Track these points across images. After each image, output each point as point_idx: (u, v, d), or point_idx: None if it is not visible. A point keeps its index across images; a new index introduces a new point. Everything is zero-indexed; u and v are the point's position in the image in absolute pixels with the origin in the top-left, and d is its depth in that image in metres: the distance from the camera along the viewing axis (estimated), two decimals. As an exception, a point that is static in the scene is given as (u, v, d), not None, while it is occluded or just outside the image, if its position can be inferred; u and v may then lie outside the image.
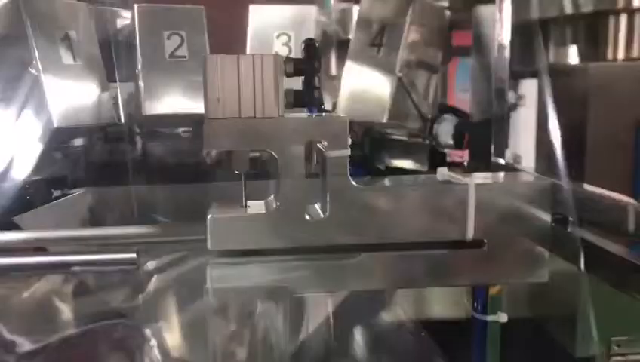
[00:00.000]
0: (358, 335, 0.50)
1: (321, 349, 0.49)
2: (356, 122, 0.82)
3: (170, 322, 0.55)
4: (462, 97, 1.02)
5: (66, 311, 0.56)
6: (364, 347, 0.49)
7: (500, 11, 0.71)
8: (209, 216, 0.54)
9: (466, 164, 0.82)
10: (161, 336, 0.51)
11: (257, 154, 0.69)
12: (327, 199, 0.56)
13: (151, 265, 0.56)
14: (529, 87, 0.75)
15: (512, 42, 0.71)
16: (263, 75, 0.53)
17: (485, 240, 0.58)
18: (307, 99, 0.57)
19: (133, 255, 0.52)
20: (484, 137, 0.76)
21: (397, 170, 0.89)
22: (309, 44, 0.57)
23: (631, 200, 0.56)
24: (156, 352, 0.47)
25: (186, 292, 0.57)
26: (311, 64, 0.56)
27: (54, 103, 0.72)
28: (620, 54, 0.70)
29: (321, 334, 0.51)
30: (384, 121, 0.80)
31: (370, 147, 0.89)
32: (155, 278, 0.56)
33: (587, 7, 0.70)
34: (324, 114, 0.58)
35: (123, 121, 0.82)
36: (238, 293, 0.55)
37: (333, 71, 1.05)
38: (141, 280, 0.56)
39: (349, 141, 0.56)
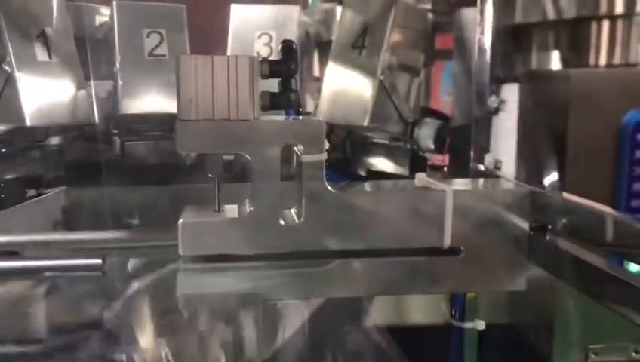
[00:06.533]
0: (329, 344, 0.49)
1: (293, 357, 0.48)
2: (337, 125, 0.81)
3: (143, 329, 0.53)
4: (447, 101, 1.01)
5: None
6: (334, 355, 0.48)
7: (482, 15, 0.70)
8: (180, 221, 0.53)
9: (445, 168, 0.81)
10: (135, 344, 0.49)
11: (232, 157, 0.68)
12: (303, 204, 0.55)
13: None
14: (511, 92, 0.75)
15: (493, 46, 0.71)
16: (237, 77, 0.52)
17: (462, 248, 0.57)
18: (284, 101, 0.55)
19: (99, 261, 0.50)
20: (464, 141, 0.75)
21: (377, 174, 0.88)
22: (286, 44, 0.56)
23: (609, 210, 0.55)
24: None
25: (159, 299, 0.56)
26: (288, 65, 0.55)
27: (28, 101, 0.70)
28: (602, 61, 0.70)
29: (293, 342, 0.50)
30: (365, 124, 0.79)
31: (350, 150, 0.88)
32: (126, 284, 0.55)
33: (569, 13, 0.69)
34: (301, 117, 0.57)
35: (97, 120, 0.80)
36: (209, 300, 0.54)
37: (317, 73, 1.04)
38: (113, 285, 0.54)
39: (327, 145, 0.55)
